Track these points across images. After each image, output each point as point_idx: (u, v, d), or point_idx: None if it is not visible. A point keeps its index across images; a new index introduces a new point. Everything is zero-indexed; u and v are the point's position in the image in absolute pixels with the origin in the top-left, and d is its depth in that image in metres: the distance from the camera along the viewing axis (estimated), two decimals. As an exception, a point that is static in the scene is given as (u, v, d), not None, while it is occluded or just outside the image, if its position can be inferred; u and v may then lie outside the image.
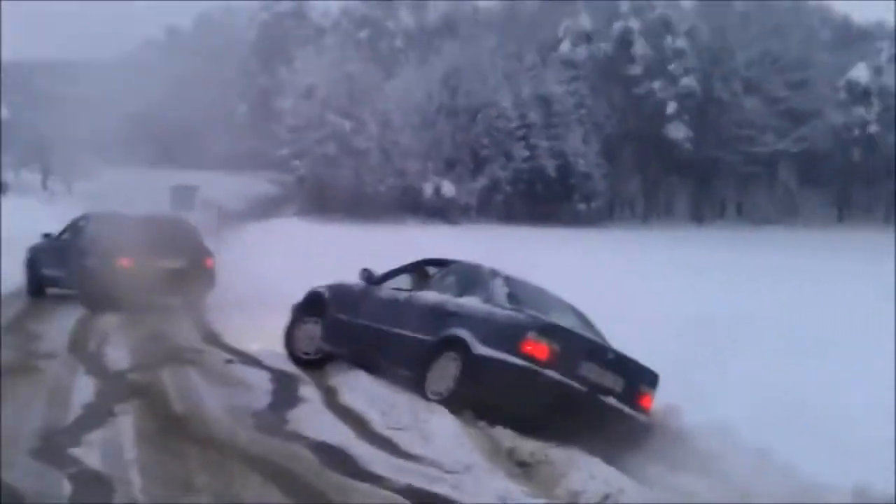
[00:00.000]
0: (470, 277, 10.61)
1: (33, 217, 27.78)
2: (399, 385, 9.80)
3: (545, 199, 58.11)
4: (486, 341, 9.32)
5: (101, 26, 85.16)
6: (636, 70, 62.34)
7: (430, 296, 10.53)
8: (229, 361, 11.58)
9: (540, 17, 66.74)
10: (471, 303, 9.97)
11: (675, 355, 10.17)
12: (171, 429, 8.02)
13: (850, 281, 22.96)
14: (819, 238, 45.82)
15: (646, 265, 26.92)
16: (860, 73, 59.70)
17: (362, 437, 8.15)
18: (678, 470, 8.57)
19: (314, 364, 11.39)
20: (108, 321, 14.42)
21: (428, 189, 54.01)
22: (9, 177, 60.37)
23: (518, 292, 10.14)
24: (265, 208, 53.59)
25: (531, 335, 9.12)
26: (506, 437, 8.33)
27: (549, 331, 9.24)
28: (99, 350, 11.96)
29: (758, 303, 18.24)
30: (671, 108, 61.72)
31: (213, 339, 13.57)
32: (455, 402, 9.04)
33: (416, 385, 9.66)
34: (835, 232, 52.99)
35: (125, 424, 7.95)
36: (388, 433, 8.37)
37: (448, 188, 54.49)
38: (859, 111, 59.02)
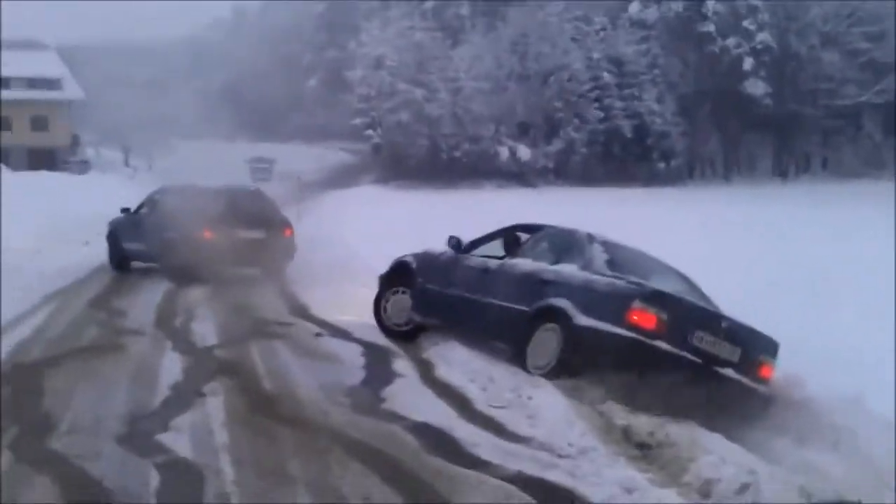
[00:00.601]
0: (565, 243, 10.11)
1: (117, 193, 28.26)
2: (496, 357, 9.42)
3: (623, 159, 57.52)
4: (587, 311, 8.82)
5: (167, 8, 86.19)
6: (709, 27, 60.91)
7: (523, 263, 10.04)
8: (318, 335, 11.37)
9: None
10: (568, 270, 9.44)
11: (771, 318, 9.44)
12: (263, 410, 7.70)
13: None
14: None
15: (729, 223, 26.17)
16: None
17: (464, 417, 7.72)
18: (805, 444, 7.88)
19: (406, 335, 11.18)
20: (194, 295, 14.43)
21: (503, 153, 53.77)
22: (90, 155, 61.57)
23: (618, 257, 9.59)
24: (342, 178, 53.83)
25: (637, 304, 8.53)
26: (617, 413, 7.62)
27: (657, 298, 8.62)
28: (185, 325, 11.85)
29: (850, 260, 17.52)
30: (747, 64, 60.20)
31: (301, 311, 13.38)
32: (558, 376, 8.61)
33: (515, 358, 9.27)
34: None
35: (214, 406, 7.70)
36: (490, 412, 7.88)
37: (524, 152, 54.22)
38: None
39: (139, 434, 6.92)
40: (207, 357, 9.87)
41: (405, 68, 51.81)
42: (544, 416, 7.54)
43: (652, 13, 61.37)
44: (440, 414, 7.76)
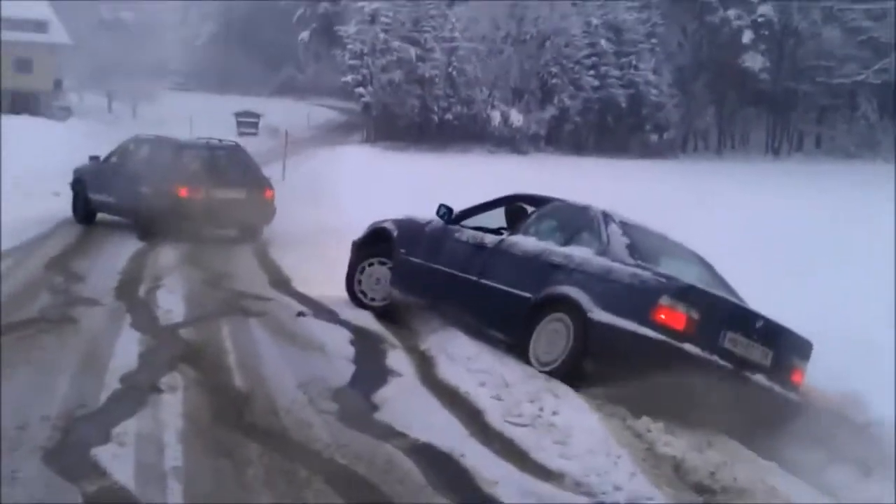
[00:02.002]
0: (576, 221, 8.87)
1: (97, 140, 27.23)
2: (506, 352, 8.15)
3: (616, 129, 56.79)
4: (606, 305, 7.69)
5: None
6: (710, -2, 59.92)
7: (527, 242, 8.82)
8: (301, 314, 9.90)
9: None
10: (582, 254, 8.26)
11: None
12: (229, 416, 6.26)
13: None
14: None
15: (718, 198, 25.39)
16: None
17: (476, 436, 6.25)
18: (871, 476, 6.89)
19: (384, 312, 10.03)
20: (165, 259, 13.20)
21: (495, 118, 52.79)
22: (73, 100, 60.36)
23: (639, 242, 8.41)
24: (330, 135, 52.96)
25: (666, 300, 7.46)
26: (658, 436, 6.50)
27: (687, 294, 7.56)
28: (150, 296, 10.36)
29: (844, 244, 16.76)
30: (747, 37, 59.21)
31: (282, 283, 12.06)
32: (568, 375, 7.58)
33: (517, 350, 8.19)
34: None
35: (171, 407, 6.30)
36: (508, 430, 6.37)
37: (516, 117, 53.24)
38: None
39: (71, 446, 5.50)
40: (170, 338, 8.40)
41: (400, 25, 50.73)
42: (576, 442, 6.14)
43: (654, -21, 60.24)
44: (447, 431, 6.33)
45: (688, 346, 7.39)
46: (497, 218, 9.94)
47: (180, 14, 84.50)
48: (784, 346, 7.88)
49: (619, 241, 8.31)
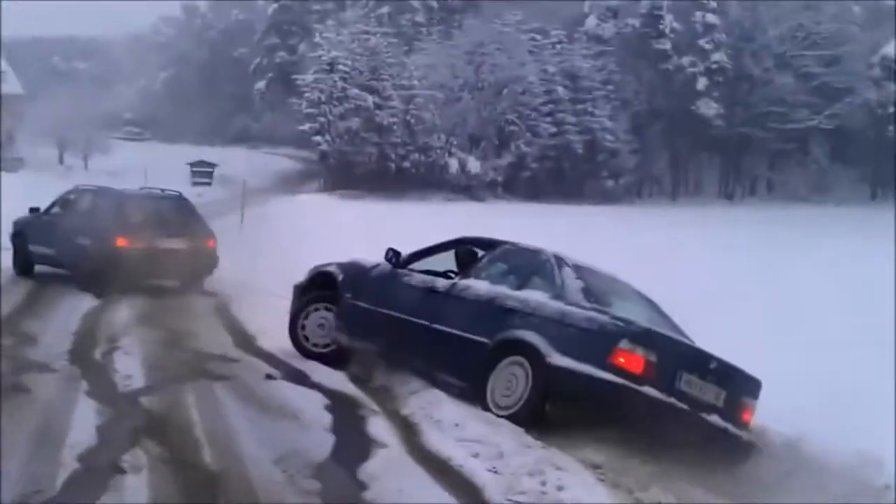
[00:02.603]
0: (529, 265, 8.79)
1: (47, 191, 26.61)
2: (492, 415, 7.69)
3: (572, 176, 57.21)
4: (564, 350, 7.59)
5: (118, 3, 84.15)
6: (665, 45, 60.54)
7: (480, 286, 8.65)
8: (270, 377, 9.17)
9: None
10: (537, 298, 8.15)
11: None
12: (202, 500, 5.64)
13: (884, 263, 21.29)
14: (851, 216, 44.15)
15: (675, 242, 25.31)
16: (893, 49, 57.73)
17: None
18: None
19: (328, 358, 9.72)
20: (120, 317, 12.54)
21: (453, 165, 52.85)
22: (25, 151, 59.54)
23: (592, 285, 8.34)
24: (287, 184, 52.61)
25: (624, 344, 7.41)
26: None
27: (645, 338, 7.52)
28: (107, 359, 9.60)
29: (792, 285, 16.78)
30: (701, 83, 60.07)
31: (246, 341, 11.38)
32: (528, 419, 7.47)
33: (473, 397, 8.01)
34: (868, 209, 51.25)
35: (135, 491, 5.58)
36: None
37: (473, 164, 53.42)
38: (893, 88, 57.04)
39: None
40: (130, 408, 7.66)
41: (358, 73, 50.77)
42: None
43: (609, 28, 61.13)
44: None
45: (646, 389, 7.34)
46: (445, 262, 9.67)
47: (135, 64, 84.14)
48: (735, 386, 7.89)
49: (573, 284, 8.27)
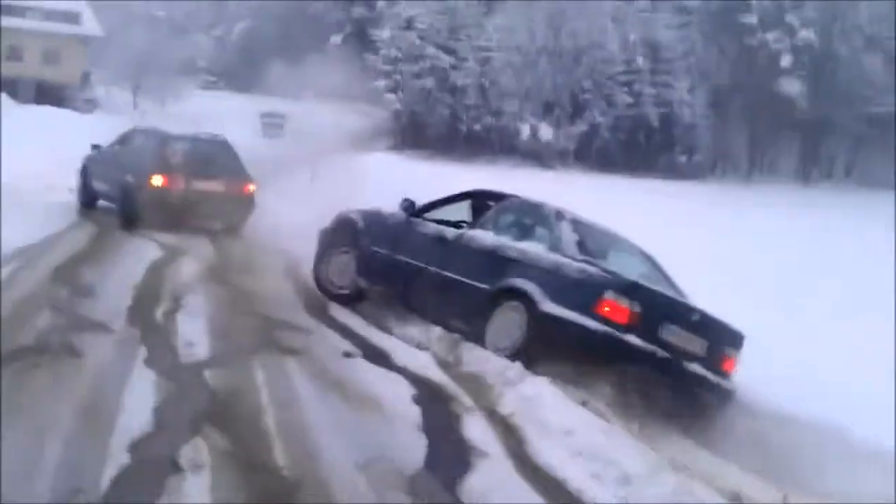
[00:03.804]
0: (531, 218, 9.61)
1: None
2: (603, 417, 7.18)
3: (645, 148, 55.83)
4: (555, 297, 8.33)
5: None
6: (751, 19, 58.72)
7: (484, 236, 9.47)
8: (348, 355, 8.40)
9: (652, -41, 63.26)
10: (534, 249, 8.93)
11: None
12: None
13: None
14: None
15: (745, 223, 25.16)
16: None
17: None
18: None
19: (348, 299, 10.42)
20: (187, 270, 11.96)
21: (525, 131, 51.98)
22: (100, 94, 59.69)
23: (588, 239, 9.15)
24: (358, 141, 52.09)
25: (609, 294, 8.12)
26: None
27: (630, 290, 8.21)
28: (169, 321, 8.78)
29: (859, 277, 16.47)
30: (786, 61, 58.20)
31: (318, 307, 10.54)
32: (522, 359, 8.03)
33: (475, 338, 8.74)
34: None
35: (194, 498, 4.74)
36: None
37: (545, 131, 52.45)
38: None
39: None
40: (193, 384, 6.77)
41: (435, 32, 49.99)
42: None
43: (695, -2, 59.14)
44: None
45: (629, 337, 8.05)
46: (461, 213, 10.52)
47: (213, 13, 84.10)
48: (718, 337, 8.60)
49: (569, 237, 8.97)
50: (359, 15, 68.10)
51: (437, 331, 9.34)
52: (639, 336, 8.06)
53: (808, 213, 31.72)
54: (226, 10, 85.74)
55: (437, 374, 8.13)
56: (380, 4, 58.52)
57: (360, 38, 63.73)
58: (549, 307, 8.26)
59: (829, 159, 63.46)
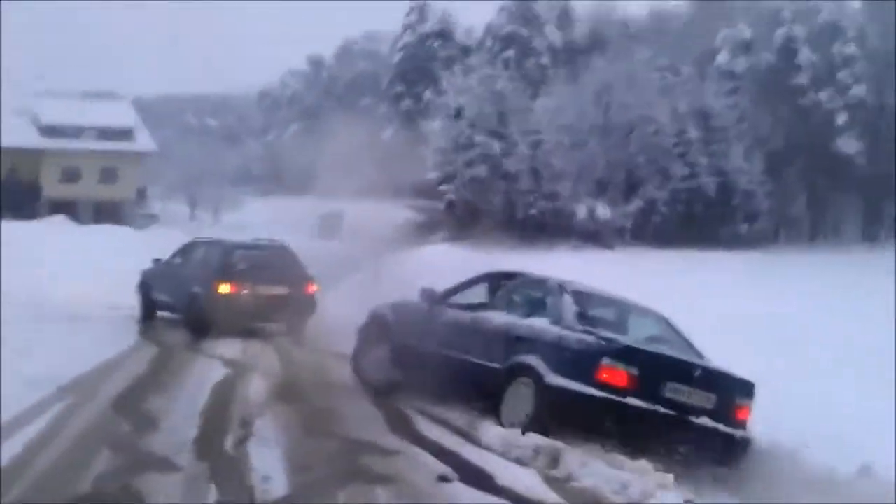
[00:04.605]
0: (537, 293, 10.20)
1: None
2: None
3: (704, 219, 54.74)
4: (558, 369, 8.84)
5: (245, 59, 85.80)
6: (802, 79, 58.00)
7: (496, 317, 10.10)
8: (444, 479, 7.55)
9: (693, 28, 63.18)
10: (539, 324, 9.50)
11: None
12: None
13: None
14: None
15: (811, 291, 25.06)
16: None
17: None
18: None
19: (387, 392, 10.71)
20: (254, 390, 11.15)
21: (581, 211, 51.45)
22: (157, 208, 60.49)
23: (589, 309, 9.70)
24: (414, 234, 51.88)
25: (607, 361, 8.56)
26: None
27: (626, 354, 8.69)
28: (240, 452, 8.06)
29: None
30: (841, 119, 57.31)
31: (402, 423, 9.77)
32: (534, 430, 8.53)
33: (491, 415, 9.27)
34: None
35: None
36: None
37: (602, 210, 51.86)
38: None
39: None
40: None
41: (484, 119, 49.92)
42: None
43: (741, 63, 58.77)
44: None
45: (630, 400, 8.50)
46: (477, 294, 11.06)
47: (264, 117, 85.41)
48: (726, 389, 8.99)
49: (570, 309, 9.46)
50: (406, 107, 68.58)
51: (532, 440, 8.65)
52: (639, 397, 8.52)
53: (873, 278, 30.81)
54: (277, 115, 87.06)
55: (548, 495, 7.33)
56: (427, 95, 58.73)
57: (411, 131, 64.14)
58: (554, 379, 8.81)
59: (894, 218, 61.97)
